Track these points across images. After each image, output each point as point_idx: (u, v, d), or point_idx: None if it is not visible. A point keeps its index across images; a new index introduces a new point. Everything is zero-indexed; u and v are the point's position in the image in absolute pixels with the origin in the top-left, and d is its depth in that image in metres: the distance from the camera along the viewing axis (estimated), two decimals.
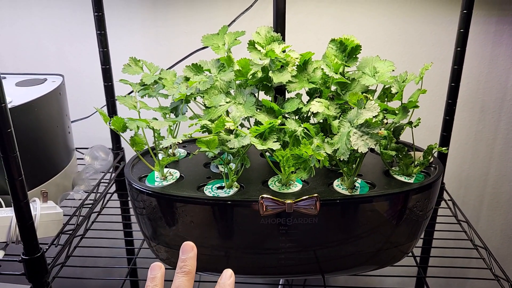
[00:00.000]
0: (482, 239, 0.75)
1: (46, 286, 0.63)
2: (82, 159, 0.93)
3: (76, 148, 0.91)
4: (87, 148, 0.92)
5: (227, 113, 0.66)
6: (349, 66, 0.66)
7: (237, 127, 0.57)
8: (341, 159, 0.61)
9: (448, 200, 0.88)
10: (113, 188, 0.95)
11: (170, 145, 0.74)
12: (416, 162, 0.66)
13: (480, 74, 0.98)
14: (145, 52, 1.00)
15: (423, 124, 0.69)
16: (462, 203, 1.07)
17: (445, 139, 0.86)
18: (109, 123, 0.61)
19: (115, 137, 0.92)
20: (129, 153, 0.90)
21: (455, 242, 0.78)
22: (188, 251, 0.48)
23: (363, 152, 0.50)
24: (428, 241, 0.86)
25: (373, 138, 0.50)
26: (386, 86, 0.67)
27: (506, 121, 1.01)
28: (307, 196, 0.57)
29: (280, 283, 1.00)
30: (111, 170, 0.90)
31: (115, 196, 0.94)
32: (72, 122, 0.89)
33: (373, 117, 0.51)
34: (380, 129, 0.53)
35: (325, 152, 0.55)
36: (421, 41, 0.96)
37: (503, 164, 1.04)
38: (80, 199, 0.78)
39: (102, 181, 0.85)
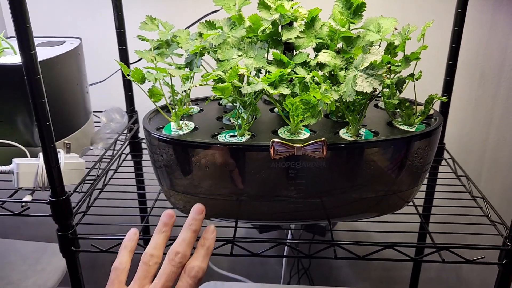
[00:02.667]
0: (479, 189, 0.79)
1: (71, 228, 0.68)
2: (99, 122, 0.97)
3: (93, 112, 0.95)
4: (102, 111, 0.97)
5: None
6: (354, 23, 0.70)
7: (250, 73, 0.61)
8: (347, 106, 0.65)
9: (448, 158, 0.92)
10: (127, 150, 1.00)
11: (184, 103, 0.78)
12: (418, 113, 0.70)
13: (480, 41, 1.01)
14: None
15: (423, 88, 0.73)
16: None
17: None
18: (129, 74, 0.65)
19: (129, 100, 0.97)
20: (143, 115, 0.94)
21: (455, 196, 0.82)
22: (199, 213, 0.57)
23: (368, 92, 0.54)
24: (429, 198, 0.90)
25: (377, 79, 0.54)
26: (390, 43, 0.71)
27: (506, 87, 1.04)
28: (314, 140, 0.62)
29: (288, 236, 1.04)
30: (125, 132, 0.95)
31: (129, 157, 0.98)
32: (89, 85, 0.93)
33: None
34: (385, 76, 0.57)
35: (333, 98, 0.59)
36: (420, 11, 0.99)
37: (502, 129, 1.08)
38: (98, 155, 0.83)
39: (118, 140, 0.89)
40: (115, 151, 0.86)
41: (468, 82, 1.05)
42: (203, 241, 0.55)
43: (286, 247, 1.08)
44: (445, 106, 0.90)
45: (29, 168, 0.68)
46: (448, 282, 1.29)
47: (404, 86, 0.72)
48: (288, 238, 1.03)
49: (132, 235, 0.57)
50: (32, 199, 0.69)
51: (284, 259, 1.18)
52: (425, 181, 0.87)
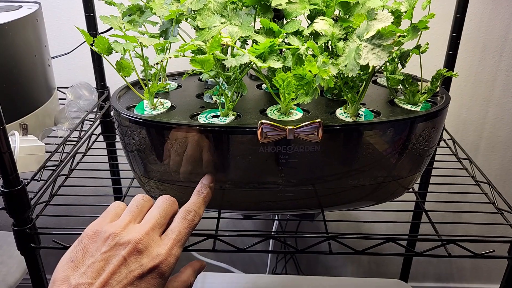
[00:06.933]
0: (484, 173, 0.73)
1: (29, 222, 0.59)
2: (64, 99, 0.87)
3: (58, 88, 0.85)
4: (68, 87, 0.87)
5: None
6: None
7: (235, 43, 0.52)
8: (345, 82, 0.57)
9: (448, 139, 0.85)
10: (98, 130, 0.90)
11: (160, 78, 0.69)
12: (423, 90, 0.63)
13: (483, 12, 0.94)
14: None
15: (424, 63, 0.65)
16: None
17: None
18: (93, 44, 0.56)
19: (100, 75, 0.86)
20: None
21: (455, 180, 0.76)
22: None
23: (375, 65, 0.46)
24: (427, 183, 0.84)
25: (385, 50, 0.46)
26: (395, 10, 0.62)
27: (507, 62, 0.98)
28: (308, 122, 0.54)
29: (273, 228, 0.98)
30: (95, 110, 0.85)
31: (101, 138, 0.89)
32: (52, 58, 0.82)
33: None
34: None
35: (331, 73, 0.51)
36: None
37: (502, 107, 1.02)
38: (62, 137, 0.73)
39: (86, 119, 0.80)
40: (83, 132, 0.77)
41: (468, 56, 0.97)
42: (201, 188, 0.54)
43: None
44: (446, 82, 0.83)
45: None
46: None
47: (407, 60, 0.64)
48: (275, 229, 0.95)
49: None
50: None
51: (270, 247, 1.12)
52: None
